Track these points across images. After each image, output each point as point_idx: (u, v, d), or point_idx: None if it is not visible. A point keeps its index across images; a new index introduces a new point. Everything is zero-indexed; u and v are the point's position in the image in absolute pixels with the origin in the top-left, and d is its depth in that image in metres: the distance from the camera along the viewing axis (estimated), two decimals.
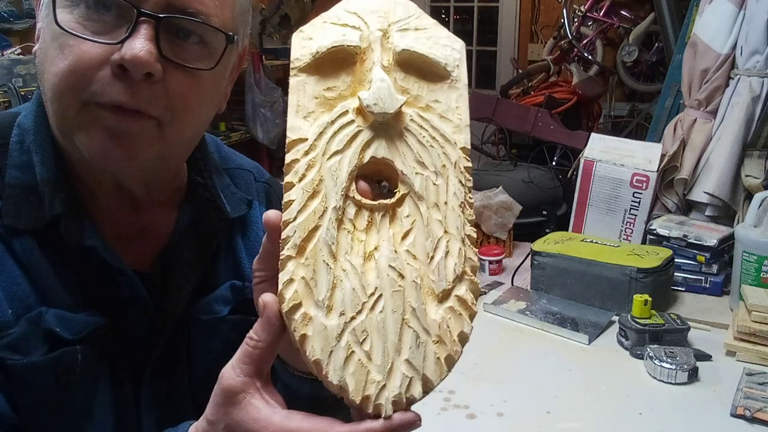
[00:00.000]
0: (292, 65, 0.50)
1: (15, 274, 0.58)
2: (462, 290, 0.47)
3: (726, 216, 2.02)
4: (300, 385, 0.59)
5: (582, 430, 1.24)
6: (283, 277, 0.45)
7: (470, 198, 0.49)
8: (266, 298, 0.46)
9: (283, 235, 0.46)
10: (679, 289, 1.81)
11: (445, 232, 0.48)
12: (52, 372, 0.59)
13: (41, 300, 0.59)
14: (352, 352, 0.44)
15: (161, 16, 0.54)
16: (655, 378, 1.37)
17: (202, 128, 0.64)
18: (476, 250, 0.48)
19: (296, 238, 0.46)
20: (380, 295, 0.45)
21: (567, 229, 2.26)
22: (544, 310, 1.69)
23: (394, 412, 0.44)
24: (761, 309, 1.44)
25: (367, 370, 0.44)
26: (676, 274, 1.81)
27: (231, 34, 0.59)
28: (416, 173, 0.48)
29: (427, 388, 0.45)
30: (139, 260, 0.65)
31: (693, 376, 1.35)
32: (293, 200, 0.47)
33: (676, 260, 1.79)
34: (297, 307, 0.45)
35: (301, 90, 0.50)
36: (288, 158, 0.48)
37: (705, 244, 1.80)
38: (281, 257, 0.46)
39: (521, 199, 2.34)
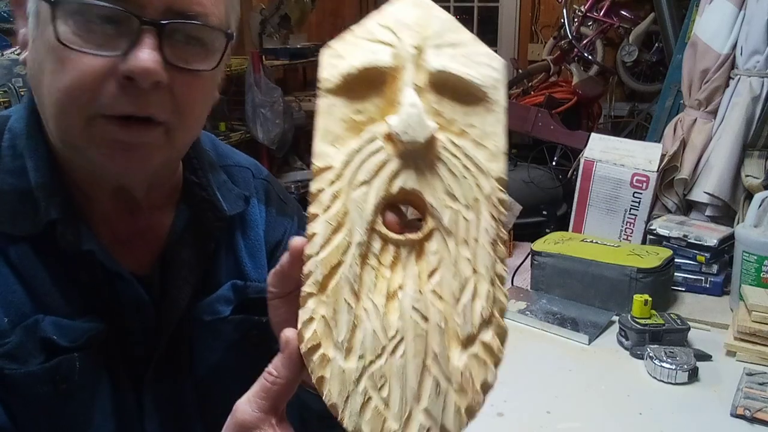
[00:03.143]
0: (319, 85, 0.47)
1: (10, 281, 0.58)
2: (488, 336, 0.44)
3: (726, 216, 2.02)
4: (312, 400, 0.58)
5: (582, 430, 1.24)
6: (303, 315, 0.44)
7: (502, 233, 0.45)
8: (288, 333, 0.45)
9: (305, 269, 0.44)
10: (679, 289, 1.81)
11: (474, 271, 0.44)
12: (50, 381, 0.58)
13: (38, 308, 0.58)
14: (369, 398, 0.43)
15: (163, 22, 0.53)
16: (655, 378, 1.37)
17: (202, 125, 0.64)
18: (506, 290, 0.45)
19: (318, 275, 0.44)
20: (402, 339, 0.43)
21: (567, 229, 2.26)
22: (544, 310, 1.69)
23: None
24: (761, 309, 1.44)
25: (383, 418, 0.42)
26: (676, 274, 1.80)
27: (229, 31, 0.59)
28: (446, 206, 0.45)
29: None
30: (137, 263, 0.65)
31: (693, 376, 1.35)
32: (316, 233, 0.45)
33: (676, 260, 1.79)
34: (316, 348, 0.43)
35: (329, 113, 0.46)
36: (313, 187, 0.46)
37: (705, 244, 1.80)
38: (302, 293, 0.44)
39: (521, 199, 2.34)
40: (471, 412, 0.44)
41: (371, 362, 0.43)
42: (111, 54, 0.53)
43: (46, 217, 0.58)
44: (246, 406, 0.46)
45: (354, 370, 0.43)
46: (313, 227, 0.45)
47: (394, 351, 0.43)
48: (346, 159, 0.46)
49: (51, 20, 0.52)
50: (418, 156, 0.45)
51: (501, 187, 0.46)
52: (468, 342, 0.44)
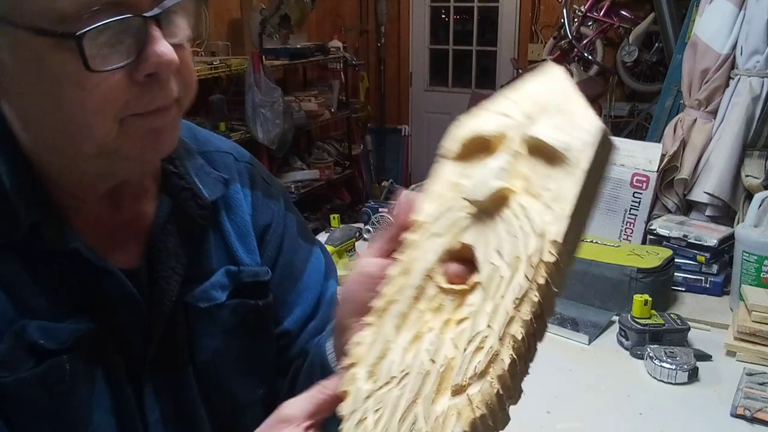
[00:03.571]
0: (440, 152, 0.53)
1: None
2: (474, 390, 0.44)
3: (726, 216, 2.02)
4: None
5: (582, 430, 1.24)
6: (356, 338, 0.52)
7: (534, 296, 0.45)
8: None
9: (375, 303, 0.52)
10: (679, 289, 1.81)
11: (488, 326, 0.45)
12: (42, 385, 0.58)
13: (23, 313, 0.58)
14: (365, 417, 0.48)
15: (158, 11, 0.54)
16: (655, 378, 1.36)
17: None
18: (516, 353, 0.44)
19: (379, 307, 0.52)
20: (407, 374, 0.47)
21: None
22: None
23: None
24: (761, 309, 1.44)
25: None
26: (676, 274, 1.80)
27: None
28: (488, 263, 0.47)
29: None
30: (124, 258, 0.65)
31: (693, 376, 1.35)
32: (390, 274, 0.53)
33: (676, 260, 1.78)
34: (352, 365, 0.51)
35: (440, 176, 0.53)
36: (402, 236, 0.54)
37: (705, 244, 1.80)
38: (364, 321, 0.52)
39: None
40: None
41: (380, 388, 0.48)
42: (128, 61, 0.54)
43: (27, 219, 0.58)
44: (292, 402, 0.52)
45: (366, 391, 0.49)
46: (390, 268, 0.53)
47: (399, 382, 0.48)
48: (433, 213, 0.52)
49: (79, 52, 0.52)
50: (487, 214, 0.49)
51: (552, 251, 0.45)
52: (456, 391, 0.45)
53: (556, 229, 0.45)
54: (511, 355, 0.44)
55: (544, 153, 0.47)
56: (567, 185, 0.46)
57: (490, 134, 0.50)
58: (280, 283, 0.78)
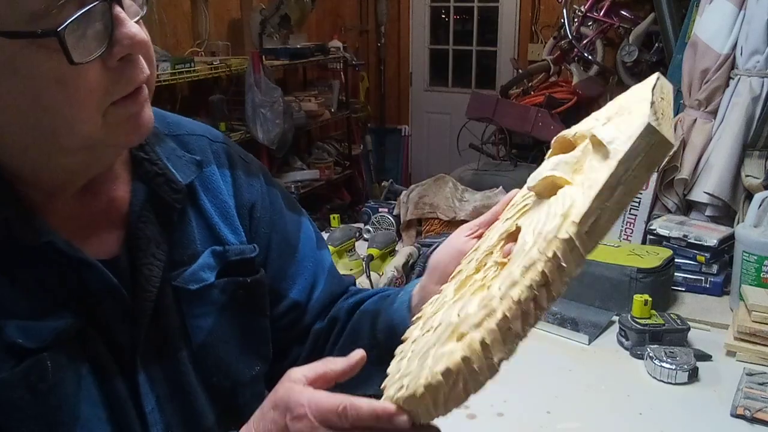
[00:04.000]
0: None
1: None
2: (468, 338, 0.50)
3: (726, 216, 2.02)
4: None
5: (582, 430, 1.24)
6: (433, 297, 0.65)
7: (541, 267, 0.49)
8: (360, 352, 0.60)
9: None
10: (679, 289, 1.81)
11: (498, 288, 0.51)
12: (24, 384, 0.58)
13: (0, 314, 0.58)
14: (406, 357, 0.58)
15: None
16: (655, 378, 1.37)
17: None
18: (509, 313, 0.49)
19: (454, 273, 0.66)
20: (440, 324, 0.55)
21: None
22: None
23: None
24: (761, 309, 1.44)
25: (399, 368, 0.57)
26: (676, 274, 1.80)
27: None
28: (523, 239, 0.54)
29: (399, 401, 0.53)
30: (103, 248, 0.65)
31: (693, 376, 1.35)
32: (470, 250, 0.66)
33: (676, 260, 1.78)
34: (421, 318, 0.63)
35: (538, 170, 0.58)
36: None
37: (705, 244, 1.80)
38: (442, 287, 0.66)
39: None
40: (424, 388, 0.51)
41: (423, 335, 0.58)
42: (103, 48, 0.53)
43: None
44: (300, 367, 0.59)
45: (415, 336, 0.60)
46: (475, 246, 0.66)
47: (434, 332, 0.56)
48: (514, 201, 0.63)
49: (60, 48, 0.51)
50: (542, 200, 0.56)
51: (568, 230, 0.48)
52: (459, 338, 0.51)
53: (576, 211, 0.49)
54: (504, 313, 0.49)
55: (599, 148, 0.51)
56: (601, 177, 0.49)
57: (570, 135, 0.57)
58: (279, 257, 0.80)
